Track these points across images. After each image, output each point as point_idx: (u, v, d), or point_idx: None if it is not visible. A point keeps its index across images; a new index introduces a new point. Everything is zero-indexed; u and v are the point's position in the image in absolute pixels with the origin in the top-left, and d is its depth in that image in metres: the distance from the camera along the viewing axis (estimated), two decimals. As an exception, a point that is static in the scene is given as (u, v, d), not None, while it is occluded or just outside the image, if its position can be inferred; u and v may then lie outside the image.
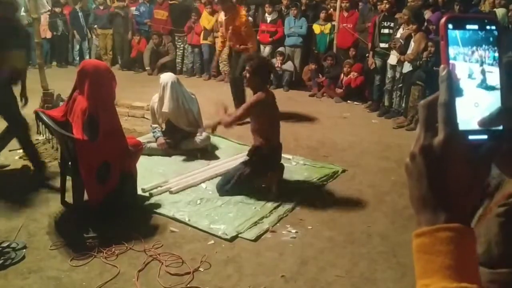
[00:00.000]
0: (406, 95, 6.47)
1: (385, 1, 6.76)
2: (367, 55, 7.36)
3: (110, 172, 3.43)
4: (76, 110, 3.39)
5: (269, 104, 3.97)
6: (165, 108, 4.83)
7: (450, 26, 0.60)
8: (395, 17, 6.72)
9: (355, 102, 7.69)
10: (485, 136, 0.58)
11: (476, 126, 0.59)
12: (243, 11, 6.49)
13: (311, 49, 8.42)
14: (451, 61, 0.60)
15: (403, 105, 6.69)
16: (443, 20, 0.61)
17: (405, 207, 3.96)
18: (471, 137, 0.58)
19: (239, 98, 6.16)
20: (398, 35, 6.50)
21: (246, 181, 3.97)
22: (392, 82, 6.77)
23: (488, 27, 0.61)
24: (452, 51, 0.60)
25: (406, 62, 6.32)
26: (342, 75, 7.89)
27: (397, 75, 6.66)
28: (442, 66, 0.60)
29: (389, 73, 6.80)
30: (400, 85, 6.68)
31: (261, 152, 3.96)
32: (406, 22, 6.35)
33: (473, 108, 0.59)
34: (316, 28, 8.20)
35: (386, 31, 6.79)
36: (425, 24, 6.41)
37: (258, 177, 4.03)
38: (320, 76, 8.26)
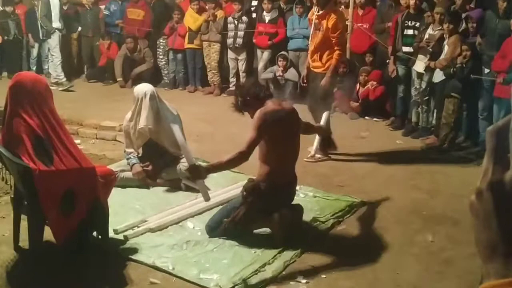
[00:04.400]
0: (438, 109, 6.50)
1: (410, -5, 6.83)
2: (387, 61, 7.42)
3: (76, 200, 3.42)
4: (16, 135, 3.36)
5: (274, 121, 3.79)
6: (142, 123, 4.82)
7: None
8: (423, 15, 6.78)
9: (374, 119, 7.71)
10: None
11: None
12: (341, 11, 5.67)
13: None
14: None
15: (433, 121, 6.71)
16: None
17: (441, 249, 3.93)
18: None
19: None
20: (427, 36, 6.56)
21: (241, 224, 3.91)
22: (420, 94, 6.80)
23: None
24: None
25: (437, 70, 6.37)
26: (357, 85, 7.93)
27: (424, 85, 6.71)
28: None
29: (416, 83, 6.83)
30: (427, 97, 6.72)
31: (259, 191, 3.85)
32: (438, 21, 6.42)
33: None
34: (325, 28, 8.29)
35: (410, 32, 6.85)
36: (463, 23, 6.46)
37: (257, 219, 3.96)
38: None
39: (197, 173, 3.79)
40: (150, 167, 4.98)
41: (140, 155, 5.09)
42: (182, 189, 4.91)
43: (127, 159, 5.02)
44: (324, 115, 4.86)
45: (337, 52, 5.59)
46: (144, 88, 4.93)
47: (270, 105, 3.89)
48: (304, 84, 6.18)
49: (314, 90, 5.84)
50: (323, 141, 5.81)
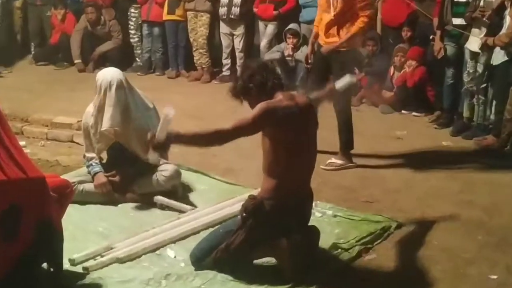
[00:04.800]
0: (498, 100, 6.51)
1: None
2: (431, 37, 7.41)
3: (20, 221, 3.41)
4: None
5: (282, 120, 3.77)
6: (106, 124, 4.82)
7: None
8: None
9: (413, 113, 7.70)
10: None
11: None
12: None
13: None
14: None
15: (492, 116, 6.72)
16: None
17: (502, 285, 3.93)
18: None
19: None
20: (482, 3, 6.55)
21: (238, 254, 3.91)
22: (475, 80, 6.80)
23: None
24: None
25: (497, 49, 6.36)
26: (391, 68, 7.93)
27: (480, 68, 6.70)
28: None
29: (469, 65, 6.82)
30: (484, 85, 6.70)
31: (263, 211, 3.84)
32: None
33: None
34: (349, -6, 8.31)
35: (462, -1, 6.86)
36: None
37: (259, 246, 3.95)
38: (357, 71, 8.29)
39: (164, 145, 3.72)
40: (117, 178, 4.99)
41: (104, 161, 5.10)
42: (158, 207, 4.91)
43: (88, 166, 5.02)
44: (346, 77, 4.62)
45: (362, 19, 5.56)
46: (109, 76, 4.90)
47: (280, 98, 3.86)
48: (308, 66, 6.16)
49: (325, 74, 5.81)
50: (341, 135, 5.84)
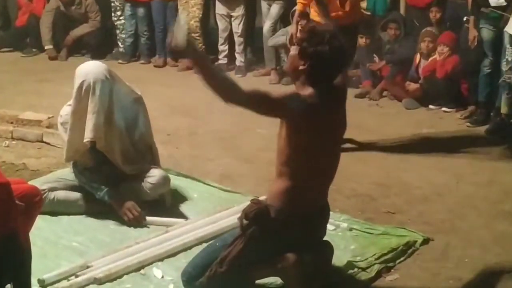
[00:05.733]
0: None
1: None
2: (465, 18, 7.41)
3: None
4: None
5: (319, 119, 3.75)
6: (89, 135, 4.74)
7: None
8: None
9: (443, 108, 7.69)
10: None
11: None
12: None
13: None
14: None
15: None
16: None
17: (547, 311, 3.93)
18: None
19: None
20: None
21: (235, 270, 3.89)
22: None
23: None
24: None
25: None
26: (417, 56, 7.93)
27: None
28: None
29: (509, 52, 6.81)
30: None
31: (268, 219, 3.81)
32: None
33: None
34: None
35: (503, -27, 6.86)
36: None
37: (261, 263, 3.94)
38: (377, 58, 8.29)
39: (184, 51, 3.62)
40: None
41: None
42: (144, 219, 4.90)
43: (94, 189, 4.88)
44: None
45: None
46: (91, 76, 4.78)
47: (311, 92, 3.77)
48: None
49: None
50: None
